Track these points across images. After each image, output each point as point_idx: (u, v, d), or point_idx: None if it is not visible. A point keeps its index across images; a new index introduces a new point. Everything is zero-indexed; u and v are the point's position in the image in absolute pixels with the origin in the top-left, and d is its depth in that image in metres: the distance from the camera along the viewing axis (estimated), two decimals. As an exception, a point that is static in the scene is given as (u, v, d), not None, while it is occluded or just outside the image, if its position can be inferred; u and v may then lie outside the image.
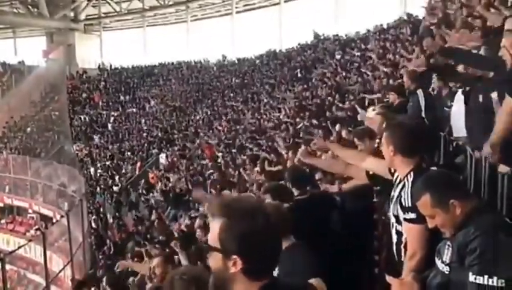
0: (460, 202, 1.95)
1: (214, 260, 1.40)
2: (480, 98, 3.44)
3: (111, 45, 36.84)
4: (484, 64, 3.49)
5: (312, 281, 2.41)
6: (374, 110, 5.68)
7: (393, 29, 17.06)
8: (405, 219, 2.48)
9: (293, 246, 2.80)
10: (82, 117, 29.58)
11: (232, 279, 1.38)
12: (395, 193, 2.60)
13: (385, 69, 10.07)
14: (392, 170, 2.71)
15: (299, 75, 21.19)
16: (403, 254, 2.61)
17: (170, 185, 16.65)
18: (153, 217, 14.34)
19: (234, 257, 1.36)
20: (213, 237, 1.40)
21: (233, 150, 15.64)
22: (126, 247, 11.93)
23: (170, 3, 36.21)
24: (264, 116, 17.52)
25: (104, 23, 38.05)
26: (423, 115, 4.60)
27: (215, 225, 1.40)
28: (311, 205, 3.65)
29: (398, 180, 2.61)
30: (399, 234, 2.61)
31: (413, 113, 4.75)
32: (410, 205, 2.40)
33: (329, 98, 12.52)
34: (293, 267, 2.55)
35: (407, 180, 2.48)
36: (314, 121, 10.01)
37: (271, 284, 1.40)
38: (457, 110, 4.25)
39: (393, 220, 2.65)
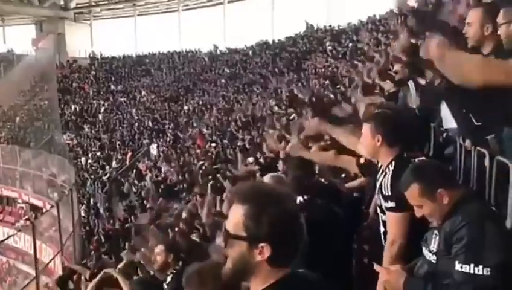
0: (448, 192, 1.96)
1: (237, 249, 1.33)
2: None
3: (101, 34, 36.45)
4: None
5: None
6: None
7: (384, 20, 17.03)
8: (386, 208, 2.50)
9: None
10: (72, 107, 29.32)
11: (255, 268, 1.33)
12: (377, 183, 2.61)
13: (379, 59, 10.03)
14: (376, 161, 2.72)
15: (290, 65, 21.15)
16: None
17: (162, 175, 16.63)
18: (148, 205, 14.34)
19: (262, 244, 1.31)
20: (236, 225, 1.34)
21: (225, 141, 15.63)
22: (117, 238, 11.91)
23: (161, -8, 35.92)
24: (256, 107, 17.49)
25: (95, 12, 37.61)
26: (412, 105, 4.60)
27: (238, 212, 1.34)
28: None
29: (380, 171, 2.63)
30: (384, 223, 2.63)
31: (403, 104, 4.75)
32: (389, 193, 2.43)
33: (321, 88, 12.53)
34: None
35: (389, 169, 2.50)
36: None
37: (290, 276, 1.35)
38: (448, 101, 4.26)
39: (378, 210, 2.67)
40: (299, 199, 3.44)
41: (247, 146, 11.84)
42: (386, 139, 2.52)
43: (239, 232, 1.33)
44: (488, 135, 2.88)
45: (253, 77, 23.07)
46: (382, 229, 2.68)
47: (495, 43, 2.76)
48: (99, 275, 4.41)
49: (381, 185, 2.53)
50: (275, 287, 1.32)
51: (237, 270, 1.35)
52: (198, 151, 17.13)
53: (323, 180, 4.12)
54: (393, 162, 2.49)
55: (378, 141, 2.54)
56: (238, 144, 13.41)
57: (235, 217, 1.34)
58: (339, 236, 3.27)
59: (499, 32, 2.73)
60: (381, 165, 2.64)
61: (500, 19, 2.68)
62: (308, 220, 2.94)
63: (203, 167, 13.84)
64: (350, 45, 17.47)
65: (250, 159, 8.49)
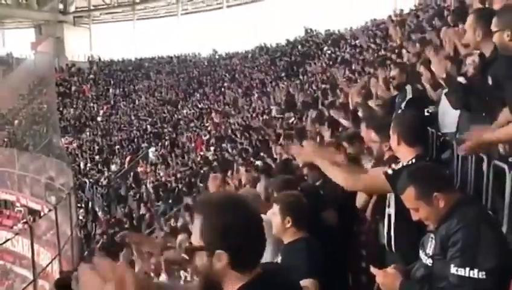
0: (444, 195, 1.97)
1: (200, 259, 1.38)
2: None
3: (100, 38, 36.49)
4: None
5: (306, 282, 2.39)
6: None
7: (383, 25, 17.10)
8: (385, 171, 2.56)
9: (299, 240, 2.77)
10: (71, 110, 29.31)
11: (220, 275, 1.36)
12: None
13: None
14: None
15: (289, 70, 21.19)
16: (392, 242, 2.65)
17: (162, 179, 16.63)
18: (142, 211, 14.34)
19: (219, 251, 1.34)
20: (195, 235, 1.39)
21: (224, 145, 15.64)
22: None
23: (161, -4, 36.01)
24: (255, 111, 17.51)
25: (94, 15, 37.66)
26: (402, 108, 4.63)
27: (197, 223, 1.39)
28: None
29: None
30: (389, 217, 2.66)
31: (399, 108, 4.77)
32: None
33: (319, 92, 12.54)
34: (293, 262, 2.54)
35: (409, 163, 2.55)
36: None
37: (260, 277, 1.38)
38: (445, 106, 4.29)
39: (386, 204, 2.71)
40: None
41: (247, 150, 11.85)
42: (403, 138, 2.60)
43: (199, 243, 1.38)
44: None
45: (252, 81, 23.10)
46: (386, 224, 2.71)
47: (494, 46, 2.84)
48: None
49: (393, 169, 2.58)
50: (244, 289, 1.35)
51: (205, 281, 1.40)
52: (196, 154, 17.15)
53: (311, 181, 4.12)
54: (413, 160, 2.54)
55: (396, 139, 2.63)
56: (238, 148, 13.43)
57: (195, 228, 1.40)
58: (327, 243, 3.27)
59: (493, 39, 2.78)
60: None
61: (493, 26, 2.74)
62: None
63: (202, 172, 13.86)
64: (348, 49, 17.51)
65: (259, 163, 8.46)
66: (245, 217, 1.38)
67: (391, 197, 2.64)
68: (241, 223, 1.36)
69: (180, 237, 4.19)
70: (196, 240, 1.39)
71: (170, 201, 14.24)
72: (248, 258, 1.38)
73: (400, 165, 2.52)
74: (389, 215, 2.68)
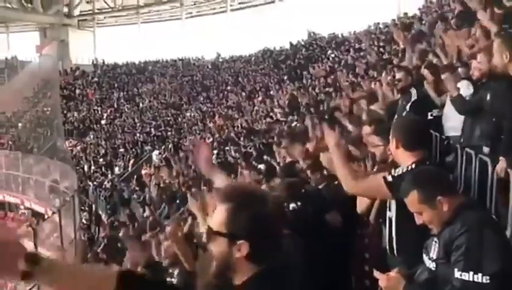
0: (447, 199, 1.97)
1: (218, 246, 1.39)
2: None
3: (105, 41, 36.64)
4: None
5: None
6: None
7: (386, 28, 17.11)
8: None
9: (285, 237, 2.82)
10: (75, 113, 29.42)
11: (235, 264, 1.38)
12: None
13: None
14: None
15: (292, 73, 21.20)
16: (394, 245, 2.65)
17: (166, 182, 16.62)
18: (146, 213, 14.32)
19: (240, 241, 1.36)
20: (218, 222, 1.39)
21: (227, 148, 15.64)
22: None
23: (164, 0, 36.11)
24: (259, 114, 17.52)
25: (98, 19, 37.84)
26: (406, 112, 4.62)
27: (221, 211, 1.40)
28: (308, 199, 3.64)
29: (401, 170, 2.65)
30: (390, 221, 2.65)
31: (401, 111, 4.76)
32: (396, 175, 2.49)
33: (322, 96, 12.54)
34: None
35: (409, 168, 2.52)
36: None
37: (265, 271, 1.39)
38: (449, 110, 4.28)
39: (387, 207, 2.70)
40: (292, 205, 3.42)
41: (251, 153, 11.84)
42: (402, 142, 2.58)
43: (220, 229, 1.39)
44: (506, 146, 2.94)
45: (255, 84, 23.14)
46: (387, 226, 2.70)
47: None
48: None
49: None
50: (250, 282, 1.37)
51: (219, 266, 1.41)
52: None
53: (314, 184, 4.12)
54: (413, 165, 2.51)
55: (394, 144, 2.61)
56: (242, 151, 13.42)
57: (218, 215, 1.41)
58: (331, 246, 3.27)
59: None
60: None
61: None
62: (299, 229, 2.96)
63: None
64: (352, 52, 17.50)
65: (261, 166, 8.44)
66: (268, 212, 1.40)
67: (392, 201, 2.63)
68: (265, 217, 1.39)
69: (169, 228, 4.14)
70: (217, 226, 1.39)
71: (174, 203, 14.23)
72: (265, 252, 1.39)
73: (399, 171, 2.50)
74: (390, 219, 2.67)
